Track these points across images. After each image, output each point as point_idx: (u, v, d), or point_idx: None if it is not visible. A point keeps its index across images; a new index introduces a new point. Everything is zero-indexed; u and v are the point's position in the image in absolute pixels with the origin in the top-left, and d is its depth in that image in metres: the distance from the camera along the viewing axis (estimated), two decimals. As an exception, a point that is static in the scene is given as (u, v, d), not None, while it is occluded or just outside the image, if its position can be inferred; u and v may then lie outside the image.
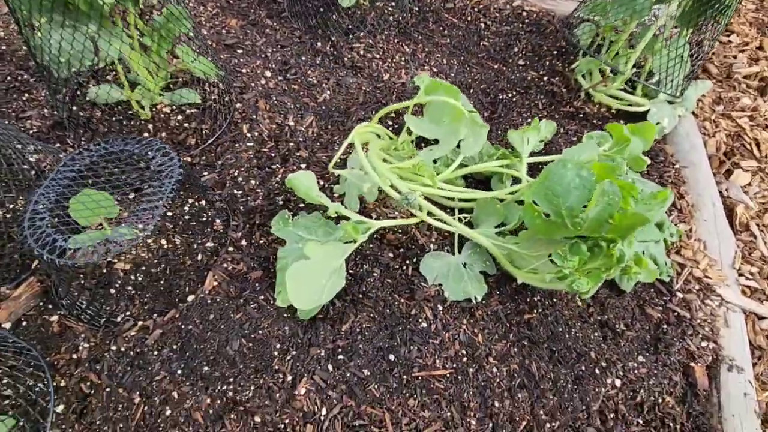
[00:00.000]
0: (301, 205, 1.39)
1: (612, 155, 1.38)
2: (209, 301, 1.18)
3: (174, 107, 1.56)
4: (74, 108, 1.52)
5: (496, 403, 1.09)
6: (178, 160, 1.09)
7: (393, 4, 2.05)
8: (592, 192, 0.96)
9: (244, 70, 1.75)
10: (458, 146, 1.30)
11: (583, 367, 1.17)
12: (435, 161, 1.44)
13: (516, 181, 1.42)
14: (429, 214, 1.28)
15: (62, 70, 1.16)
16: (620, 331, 1.25)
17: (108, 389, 1.03)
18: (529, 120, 1.72)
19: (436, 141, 1.31)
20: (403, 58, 1.88)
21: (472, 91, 1.82)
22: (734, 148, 1.71)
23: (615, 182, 0.99)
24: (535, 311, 1.25)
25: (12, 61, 1.67)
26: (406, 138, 1.42)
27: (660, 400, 1.15)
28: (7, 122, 1.49)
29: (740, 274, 1.41)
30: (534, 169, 1.51)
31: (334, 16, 1.96)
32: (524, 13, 2.14)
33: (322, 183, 1.45)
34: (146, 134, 1.49)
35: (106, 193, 1.14)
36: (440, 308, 1.23)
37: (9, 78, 1.62)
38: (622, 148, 1.35)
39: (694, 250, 1.42)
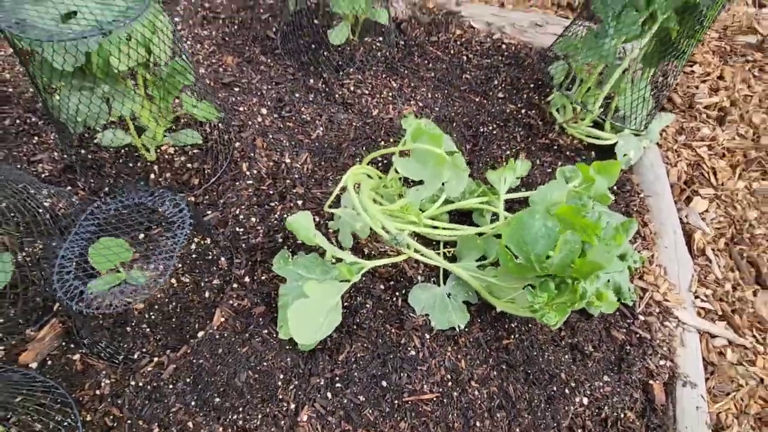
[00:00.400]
0: (299, 242, 1.50)
1: (580, 192, 1.53)
2: (217, 337, 1.30)
3: (177, 148, 1.67)
4: (83, 151, 1.62)
5: (478, 424, 1.23)
6: (189, 211, 1.20)
7: (380, 39, 2.18)
8: (556, 240, 1.10)
9: (241, 108, 1.86)
10: (443, 184, 1.43)
11: (555, 388, 1.31)
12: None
13: (495, 215, 1.55)
14: (416, 251, 1.41)
15: (78, 127, 1.27)
16: (588, 352, 1.39)
17: (129, 422, 1.15)
18: (508, 152, 1.86)
19: (422, 180, 1.44)
20: (390, 94, 2.01)
21: (455, 124, 1.95)
22: (694, 176, 1.87)
23: (580, 222, 1.13)
24: (512, 337, 1.39)
25: (19, 104, 1.76)
26: (395, 176, 1.55)
27: (622, 416, 1.30)
28: (19, 166, 1.58)
29: (696, 297, 1.57)
30: (512, 202, 1.64)
31: (325, 53, 2.08)
32: (503, 46, 2.28)
33: (317, 219, 1.57)
34: (152, 175, 1.60)
35: (121, 239, 1.25)
36: (427, 337, 1.36)
37: (18, 121, 1.71)
38: (589, 186, 1.50)
39: (656, 275, 1.57)
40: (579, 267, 1.07)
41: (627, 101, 1.74)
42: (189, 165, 1.64)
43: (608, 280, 1.44)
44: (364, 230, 1.44)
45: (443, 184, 1.42)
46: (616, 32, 1.61)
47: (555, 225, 1.10)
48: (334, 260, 1.32)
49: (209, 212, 1.56)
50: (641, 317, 1.48)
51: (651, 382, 1.36)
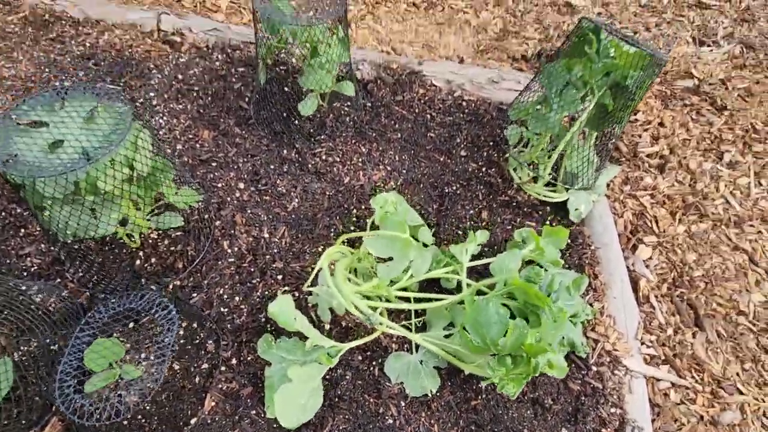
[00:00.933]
0: (281, 319, 1.62)
1: (535, 257, 1.70)
2: (209, 422, 1.40)
3: (161, 232, 1.77)
4: (69, 242, 1.70)
5: (451, 485, 1.37)
6: (177, 312, 1.31)
7: (348, 104, 2.32)
8: (507, 325, 1.25)
9: (219, 185, 1.97)
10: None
11: (518, 444, 1.46)
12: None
13: (460, 283, 1.70)
14: (388, 326, 1.54)
15: (68, 237, 1.36)
16: (548, 405, 1.55)
17: None
18: (471, 212, 2.02)
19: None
20: (360, 159, 2.14)
21: (422, 185, 2.10)
22: (638, 225, 2.07)
23: (533, 293, 1.30)
24: (479, 397, 1.54)
25: (3, 195, 1.83)
26: (366, 250, 1.69)
27: (578, 465, 1.46)
28: (8, 261, 1.66)
29: (642, 343, 1.75)
30: (476, 266, 1.79)
31: (296, 121, 2.21)
32: (464, 103, 2.44)
33: (297, 295, 1.69)
34: (138, 261, 1.69)
35: (113, 338, 1.35)
36: (403, 404, 1.49)
37: (3, 213, 1.78)
38: (541, 252, 1.67)
39: (606, 326, 1.75)
40: (528, 349, 1.22)
41: (574, 164, 1.92)
42: (173, 248, 1.74)
43: (563, 337, 1.61)
44: (340, 307, 1.57)
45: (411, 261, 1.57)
46: (559, 107, 1.79)
47: (506, 312, 1.26)
48: (313, 346, 1.44)
49: (195, 295, 1.66)
50: (594, 368, 1.65)
51: (603, 430, 1.52)
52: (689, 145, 2.42)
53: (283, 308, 1.45)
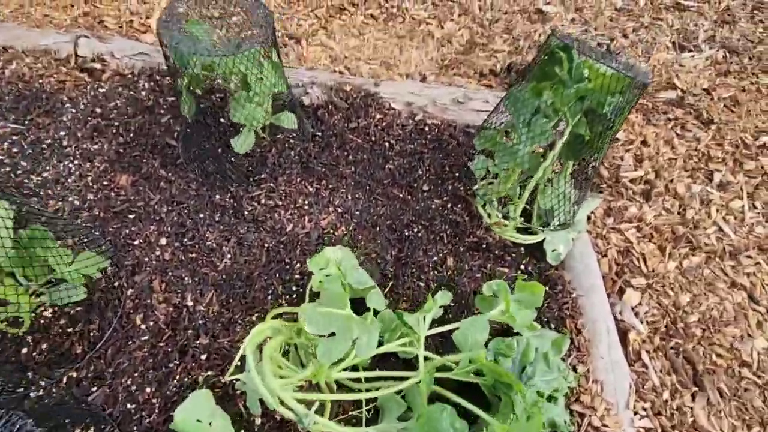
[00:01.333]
0: (201, 415, 1.33)
1: (505, 320, 1.43)
2: None
3: (56, 308, 1.46)
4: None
5: None
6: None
7: (294, 135, 2.03)
8: (467, 440, 0.98)
9: (136, 242, 1.66)
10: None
11: None
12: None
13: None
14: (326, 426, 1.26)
15: None
16: (528, 505, 1.28)
17: None
18: (435, 258, 1.75)
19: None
20: (306, 201, 1.86)
21: (378, 229, 1.83)
22: (624, 265, 1.82)
23: (505, 376, 1.04)
24: (444, 502, 1.27)
25: None
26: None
27: None
28: None
29: (635, 413, 1.50)
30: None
31: (232, 158, 1.92)
32: (426, 128, 2.18)
33: (223, 381, 1.40)
34: (25, 349, 1.39)
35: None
36: None
37: None
38: (512, 315, 1.41)
39: (592, 394, 1.49)
40: (493, 475, 0.96)
41: (548, 201, 1.67)
42: (70, 329, 1.44)
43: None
44: (270, 401, 1.28)
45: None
46: (528, 139, 1.54)
47: (463, 425, 0.99)
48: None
49: (95, 389, 1.36)
50: (580, 450, 1.39)
51: None
52: (675, 165, 2.20)
53: (192, 414, 1.16)
